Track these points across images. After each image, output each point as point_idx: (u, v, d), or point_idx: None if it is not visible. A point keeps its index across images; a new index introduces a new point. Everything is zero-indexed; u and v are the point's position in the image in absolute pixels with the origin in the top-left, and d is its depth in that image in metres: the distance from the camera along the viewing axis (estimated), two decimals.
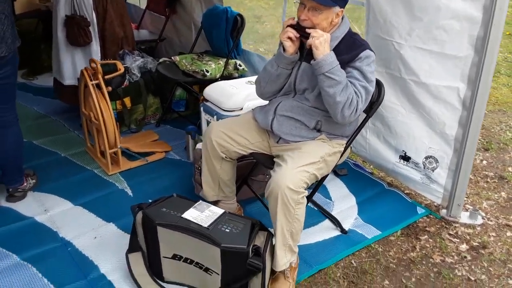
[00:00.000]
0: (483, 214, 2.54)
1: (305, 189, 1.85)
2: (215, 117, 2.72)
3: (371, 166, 2.98)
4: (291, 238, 1.88)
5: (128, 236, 2.22)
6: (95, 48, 3.09)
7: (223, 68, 3.09)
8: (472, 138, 2.32)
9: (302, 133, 2.01)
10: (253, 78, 2.95)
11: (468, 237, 2.37)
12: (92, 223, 2.35)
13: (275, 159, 2.02)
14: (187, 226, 1.84)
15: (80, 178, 2.74)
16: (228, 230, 1.83)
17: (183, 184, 2.72)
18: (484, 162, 3.12)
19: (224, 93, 2.76)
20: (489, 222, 2.49)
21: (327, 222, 2.43)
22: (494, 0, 2.02)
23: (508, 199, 2.70)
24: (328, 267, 2.13)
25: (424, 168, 2.57)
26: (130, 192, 2.62)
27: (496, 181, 2.90)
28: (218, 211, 1.94)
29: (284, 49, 1.95)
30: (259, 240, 1.86)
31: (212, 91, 2.83)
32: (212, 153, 2.14)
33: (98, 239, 2.22)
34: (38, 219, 2.35)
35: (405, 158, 2.65)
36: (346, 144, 2.09)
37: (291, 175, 1.80)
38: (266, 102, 2.65)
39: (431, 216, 2.53)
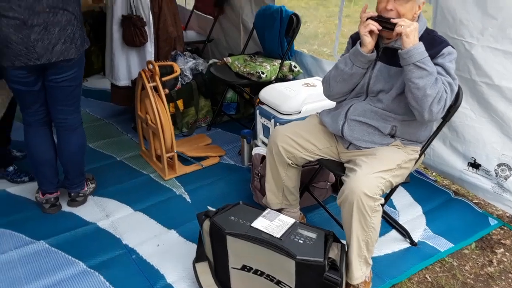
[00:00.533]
0: None
1: (381, 196, 1.75)
2: (272, 120, 2.65)
3: (434, 174, 2.84)
4: (366, 249, 1.79)
5: (190, 244, 2.20)
6: (150, 49, 3.07)
7: (278, 69, 3.01)
8: None
9: (376, 139, 1.90)
10: (310, 80, 2.87)
11: None
12: (154, 230, 2.31)
13: (346, 165, 1.93)
14: (259, 237, 1.76)
15: (137, 182, 2.72)
16: (301, 242, 1.75)
17: (240, 190, 2.66)
18: None
19: (281, 96, 2.68)
20: None
21: (394, 233, 2.31)
22: None
23: None
24: (402, 281, 2.02)
25: (496, 176, 2.41)
26: (188, 198, 2.58)
27: None
28: (288, 220, 1.86)
29: (361, 45, 1.84)
30: (333, 252, 1.77)
31: (268, 94, 2.76)
32: (277, 159, 2.06)
33: (161, 247, 2.18)
34: (100, 225, 2.34)
35: (475, 165, 2.50)
36: (421, 150, 1.98)
37: (367, 181, 1.70)
38: (327, 105, 2.57)
39: (505, 228, 2.38)
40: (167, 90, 2.68)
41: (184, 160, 2.90)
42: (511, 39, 2.12)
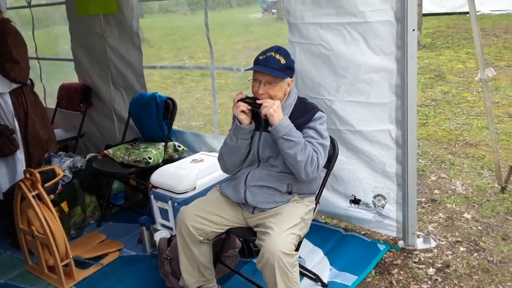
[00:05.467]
0: (434, 237, 2.80)
1: (295, 251, 1.90)
2: (169, 202, 2.68)
3: (323, 216, 3.13)
4: None
5: None
6: (20, 156, 2.90)
7: (163, 152, 3.08)
8: (411, 170, 2.60)
9: (276, 199, 2.08)
10: (196, 156, 3.00)
11: (430, 260, 2.58)
12: None
13: (256, 229, 2.05)
14: None
15: None
16: None
17: (150, 279, 2.57)
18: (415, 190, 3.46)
19: (174, 176, 2.74)
20: (441, 243, 2.74)
21: (305, 281, 2.46)
22: (404, 51, 2.37)
23: (447, 218, 3.01)
24: None
25: (374, 206, 2.78)
26: None
27: (430, 204, 3.23)
28: None
29: (239, 122, 2.05)
30: None
31: (160, 177, 2.80)
32: (189, 238, 2.09)
33: None
34: None
35: (355, 201, 2.84)
36: (316, 199, 2.21)
37: (282, 240, 1.84)
38: (219, 176, 2.72)
39: (393, 250, 2.72)
40: (52, 196, 2.53)
41: (81, 263, 2.71)
42: (361, 91, 2.55)
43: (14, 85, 2.91)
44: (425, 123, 4.91)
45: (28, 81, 3.09)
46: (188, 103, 6.91)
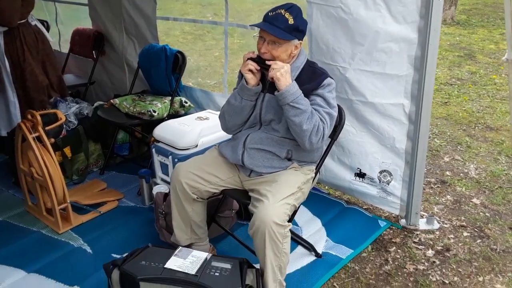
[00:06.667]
0: (438, 219, 2.71)
1: (288, 222, 1.85)
2: (170, 157, 2.64)
3: (326, 187, 3.06)
4: (280, 273, 1.86)
5: None
6: (12, 98, 2.89)
7: (169, 106, 3.02)
8: (421, 149, 2.49)
9: (274, 164, 2.01)
10: (202, 114, 2.93)
11: (431, 242, 2.51)
12: None
13: (251, 194, 2.00)
14: (174, 277, 1.73)
15: (27, 242, 2.48)
16: (217, 274, 1.76)
17: (145, 232, 2.57)
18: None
19: (177, 132, 2.69)
20: (445, 225, 2.66)
21: (300, 249, 2.43)
22: (428, 22, 2.21)
23: (455, 201, 2.91)
24: None
25: (379, 182, 2.69)
26: (88, 249, 2.42)
27: (439, 186, 3.12)
28: (201, 255, 1.86)
29: (246, 82, 1.96)
30: (249, 278, 1.81)
31: (163, 131, 2.75)
32: (182, 195, 2.06)
33: None
34: None
35: (360, 175, 2.75)
36: (316, 169, 2.14)
37: (275, 210, 1.78)
38: (223, 136, 2.65)
39: (393, 227, 2.65)
40: (52, 140, 2.51)
41: (80, 209, 2.73)
42: (377, 61, 2.41)
43: (1, 28, 2.83)
44: (446, 102, 4.72)
45: (34, 22, 3.01)
46: (206, 60, 6.79)
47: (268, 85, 1.99)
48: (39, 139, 2.47)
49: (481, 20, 8.79)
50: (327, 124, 1.92)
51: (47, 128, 2.51)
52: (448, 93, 4.98)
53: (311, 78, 1.96)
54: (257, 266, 1.91)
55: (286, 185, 1.91)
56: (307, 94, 1.92)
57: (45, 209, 2.63)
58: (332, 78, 1.99)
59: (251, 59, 1.94)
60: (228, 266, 1.81)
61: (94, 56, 3.85)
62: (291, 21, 1.85)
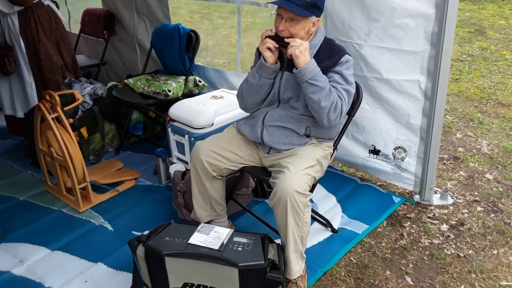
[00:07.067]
0: (451, 194, 2.74)
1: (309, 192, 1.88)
2: (186, 136, 2.66)
3: (340, 164, 3.09)
4: (301, 244, 1.90)
5: (122, 274, 2.13)
6: (28, 79, 2.92)
7: (183, 86, 3.03)
8: (437, 125, 2.50)
9: (293, 141, 2.04)
10: (216, 93, 2.94)
11: (445, 217, 2.54)
12: (78, 266, 2.18)
13: (271, 169, 2.03)
14: (199, 252, 1.78)
15: (49, 220, 2.54)
16: (240, 249, 1.80)
17: (163, 210, 2.62)
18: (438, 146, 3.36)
19: (192, 111, 2.71)
20: (459, 201, 2.69)
21: (316, 225, 2.47)
22: None
23: (468, 177, 2.93)
24: (332, 268, 2.17)
25: (394, 159, 2.71)
26: (110, 227, 2.47)
27: (452, 162, 3.14)
28: (223, 231, 1.90)
29: (264, 60, 1.97)
30: (271, 253, 1.85)
31: (178, 110, 2.77)
32: (202, 173, 2.09)
33: (90, 282, 2.07)
34: (15, 272, 2.14)
35: (375, 151, 2.77)
36: (334, 145, 2.16)
37: (296, 179, 1.81)
38: (237, 114, 2.67)
39: (407, 203, 2.68)
40: (71, 120, 2.54)
41: (98, 188, 2.77)
42: (393, 37, 2.40)
43: (16, 7, 2.83)
44: (457, 79, 4.69)
45: (46, 2, 3.00)
46: (213, 39, 6.76)
47: (286, 63, 2.00)
48: (57, 119, 2.50)
49: None
50: (345, 101, 1.93)
51: (65, 108, 2.54)
52: (459, 69, 4.95)
53: (329, 55, 1.96)
54: (278, 241, 1.95)
55: (306, 157, 1.94)
56: (325, 71, 1.93)
57: (65, 189, 2.67)
58: (349, 55, 1.99)
59: (269, 36, 1.94)
60: (250, 241, 1.85)
61: (105, 36, 3.84)
62: None
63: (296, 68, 1.88)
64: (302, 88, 1.90)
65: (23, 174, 3.04)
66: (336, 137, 2.19)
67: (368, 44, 2.51)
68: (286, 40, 1.90)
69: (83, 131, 3.00)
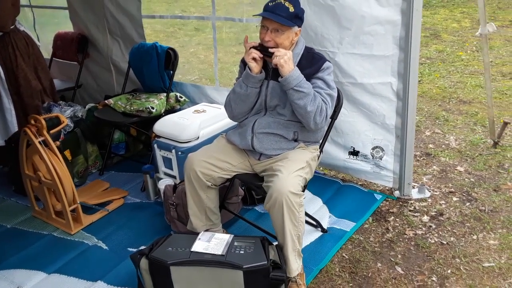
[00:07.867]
0: (428, 187, 2.91)
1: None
2: (173, 150, 2.72)
3: (321, 168, 3.21)
4: (298, 243, 2.00)
5: None
6: (8, 106, 2.90)
7: (165, 102, 3.09)
8: (410, 123, 2.67)
9: (283, 146, 2.14)
10: (198, 107, 3.02)
11: (425, 209, 2.70)
12: (78, 286, 2.18)
13: (263, 174, 2.12)
14: (203, 259, 1.84)
15: (41, 245, 2.52)
16: (243, 252, 1.88)
17: (155, 225, 2.66)
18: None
19: (177, 126, 2.78)
20: (435, 193, 2.86)
21: (306, 226, 2.51)
22: (410, 3, 2.38)
23: (441, 171, 3.12)
24: (326, 265, 2.27)
25: (372, 158, 2.86)
26: (104, 246, 2.49)
27: (425, 158, 3.33)
28: (223, 237, 1.97)
29: (250, 70, 2.07)
30: (272, 254, 1.94)
31: (163, 126, 2.82)
32: (197, 183, 2.15)
33: None
34: None
35: (354, 153, 2.92)
36: (320, 147, 2.28)
37: (290, 181, 1.91)
38: (221, 126, 2.76)
39: (389, 199, 2.83)
40: (58, 142, 2.55)
41: (87, 209, 2.78)
42: (364, 43, 2.57)
43: None
44: (420, 81, 4.95)
45: (22, 28, 3.01)
46: (182, 57, 6.73)
47: (271, 72, 2.11)
48: (44, 143, 2.51)
49: (441, 1, 9.14)
50: (329, 105, 2.06)
51: (51, 131, 2.55)
52: (420, 72, 5.21)
53: (311, 63, 2.09)
54: (274, 243, 2.04)
55: (296, 160, 2.05)
56: (308, 78, 2.05)
57: (54, 212, 2.66)
58: (330, 62, 2.12)
59: (254, 47, 2.05)
60: (250, 244, 1.93)
61: (79, 59, 3.85)
62: (291, 9, 1.98)
63: (282, 77, 1.99)
64: (288, 95, 2.01)
65: (7, 201, 3.00)
66: (322, 140, 2.31)
67: (341, 52, 2.66)
68: (271, 50, 2.01)
69: (67, 153, 3.00)
